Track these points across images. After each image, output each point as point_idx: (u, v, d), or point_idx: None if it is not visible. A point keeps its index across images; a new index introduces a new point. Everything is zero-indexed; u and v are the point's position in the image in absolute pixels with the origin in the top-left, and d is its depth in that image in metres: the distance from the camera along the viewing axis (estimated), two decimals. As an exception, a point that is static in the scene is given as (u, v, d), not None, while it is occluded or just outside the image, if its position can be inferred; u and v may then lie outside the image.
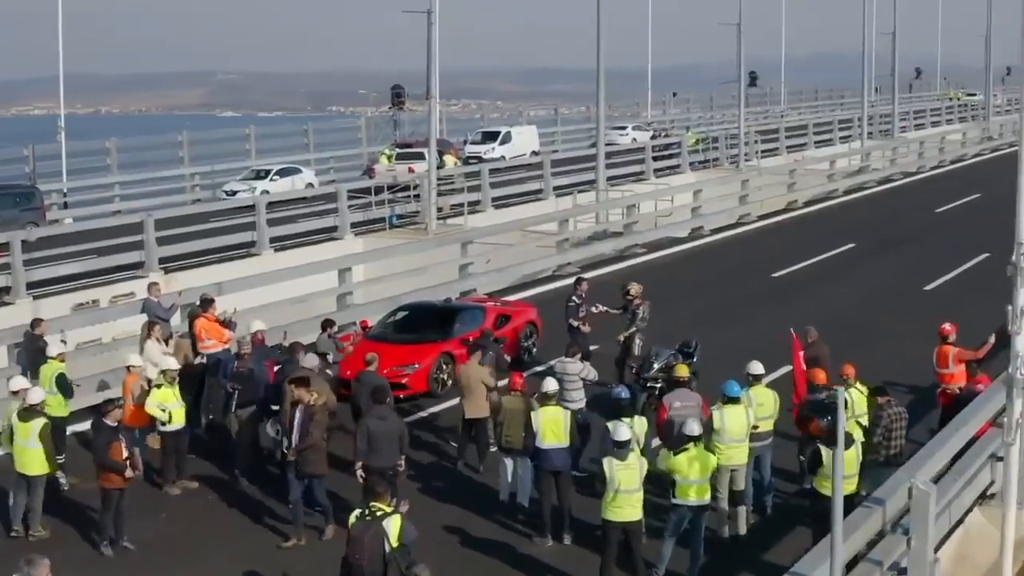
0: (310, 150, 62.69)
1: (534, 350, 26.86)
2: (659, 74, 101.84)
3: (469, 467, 20.54)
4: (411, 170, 52.31)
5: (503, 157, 62.22)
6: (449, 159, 57.14)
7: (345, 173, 60.16)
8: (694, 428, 16.43)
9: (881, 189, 58.52)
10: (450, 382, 24.37)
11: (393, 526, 13.46)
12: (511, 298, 31.64)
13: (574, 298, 25.71)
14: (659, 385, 22.75)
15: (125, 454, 17.25)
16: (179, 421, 19.72)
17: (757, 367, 18.99)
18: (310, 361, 18.71)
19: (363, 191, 46.18)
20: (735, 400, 17.61)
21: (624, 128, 76.41)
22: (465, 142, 67.15)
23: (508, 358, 23.71)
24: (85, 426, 20.46)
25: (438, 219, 43.07)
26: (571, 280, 35.66)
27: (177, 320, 24.82)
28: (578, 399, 19.76)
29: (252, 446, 20.37)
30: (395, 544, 13.39)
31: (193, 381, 21.56)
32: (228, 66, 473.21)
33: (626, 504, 15.59)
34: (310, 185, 53.47)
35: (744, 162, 59.92)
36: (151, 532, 18.26)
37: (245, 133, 61.81)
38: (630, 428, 16.87)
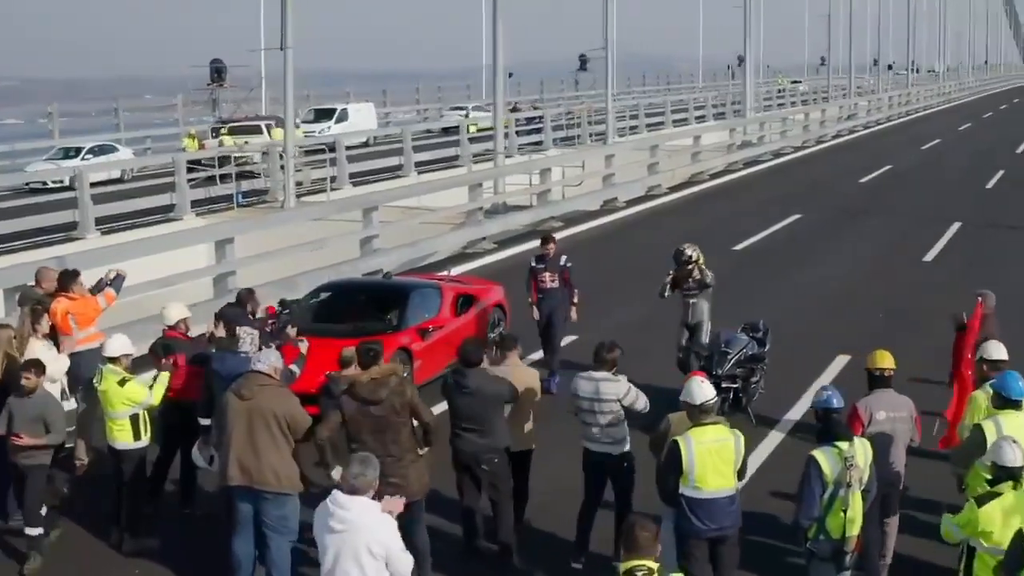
0: (121, 129, 54.94)
1: (502, 342, 19.47)
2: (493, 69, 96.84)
3: (497, 543, 12.24)
4: (246, 143, 46.14)
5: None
6: (277, 133, 50.22)
7: (164, 156, 52.25)
8: (1016, 456, 9.31)
9: (780, 161, 53.34)
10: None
11: None
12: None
13: (532, 260, 18.86)
14: (736, 386, 15.75)
15: None
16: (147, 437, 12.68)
17: (999, 350, 12.02)
18: (268, 360, 10.89)
19: (201, 164, 38.79)
20: (1016, 404, 10.54)
21: (463, 108, 70.81)
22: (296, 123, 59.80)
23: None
24: None
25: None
26: (485, 259, 30.02)
27: None
28: (619, 439, 11.87)
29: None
30: None
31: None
32: (7, 72, 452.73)
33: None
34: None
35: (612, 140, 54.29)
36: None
37: (48, 112, 53.53)
38: (850, 458, 9.77)
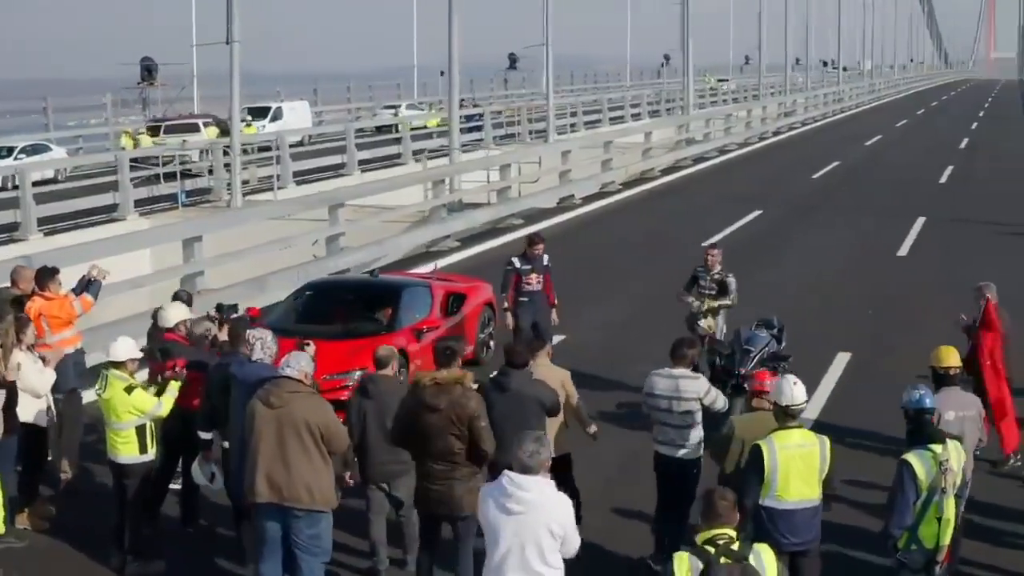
0: (50, 129, 53.29)
1: (492, 344, 18.61)
2: (424, 70, 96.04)
3: None
4: (184, 142, 44.53)
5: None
6: (211, 131, 49.02)
7: (99, 155, 50.75)
8: None
9: (727, 158, 52.93)
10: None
11: (769, 567, 7.59)
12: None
13: (515, 260, 17.66)
14: (758, 384, 14.98)
15: None
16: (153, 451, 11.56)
17: None
18: (299, 364, 9.89)
19: (138, 162, 37.62)
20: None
21: (396, 106, 70.03)
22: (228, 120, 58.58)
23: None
24: None
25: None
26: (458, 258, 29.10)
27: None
28: (693, 442, 11.10)
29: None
30: None
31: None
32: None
33: None
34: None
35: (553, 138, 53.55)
36: None
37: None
38: (944, 462, 9.02)
